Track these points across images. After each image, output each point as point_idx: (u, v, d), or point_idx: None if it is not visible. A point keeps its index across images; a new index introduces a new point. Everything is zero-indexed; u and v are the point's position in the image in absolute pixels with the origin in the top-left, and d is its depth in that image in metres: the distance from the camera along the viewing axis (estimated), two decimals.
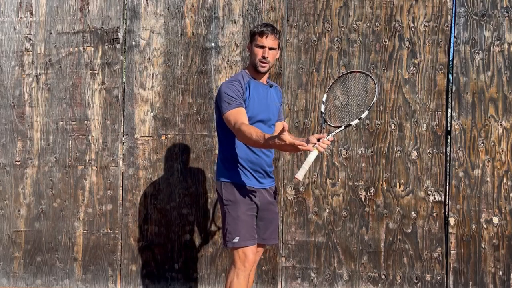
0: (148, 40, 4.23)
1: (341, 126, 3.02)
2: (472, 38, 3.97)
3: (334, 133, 3.00)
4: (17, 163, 4.35)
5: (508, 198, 3.95)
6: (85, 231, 4.30)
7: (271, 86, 3.22)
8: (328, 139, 2.82)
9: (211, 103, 4.16)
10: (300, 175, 2.76)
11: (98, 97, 4.28)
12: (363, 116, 3.05)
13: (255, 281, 4.10)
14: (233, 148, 3.11)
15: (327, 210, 4.09)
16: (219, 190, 3.14)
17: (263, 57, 3.04)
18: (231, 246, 3.03)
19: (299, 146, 2.66)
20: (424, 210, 4.01)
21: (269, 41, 3.04)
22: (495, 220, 3.96)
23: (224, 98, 3.00)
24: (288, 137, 2.64)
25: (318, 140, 2.80)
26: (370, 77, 3.16)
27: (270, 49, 3.06)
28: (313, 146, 2.75)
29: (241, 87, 3.03)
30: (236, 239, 3.01)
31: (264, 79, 3.19)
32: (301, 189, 4.10)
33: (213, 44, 4.18)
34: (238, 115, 2.93)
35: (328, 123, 3.10)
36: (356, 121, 3.06)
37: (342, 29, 4.07)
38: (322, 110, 3.15)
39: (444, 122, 4.00)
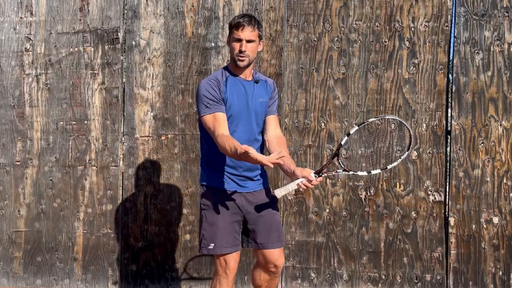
0: (148, 40, 4.23)
1: (348, 171, 2.95)
2: (472, 38, 3.97)
3: (331, 173, 3.02)
4: (17, 163, 4.34)
5: (508, 198, 3.95)
6: (85, 231, 4.29)
7: (257, 82, 3.00)
8: (316, 180, 2.81)
9: None
10: (278, 193, 2.83)
11: (98, 97, 4.28)
12: (373, 172, 3.02)
13: None
14: (210, 150, 2.96)
15: (327, 210, 4.09)
16: (200, 193, 3.05)
17: (240, 51, 2.86)
18: (206, 252, 2.95)
19: (266, 163, 2.62)
20: (424, 210, 4.01)
21: (246, 33, 2.85)
22: (495, 220, 3.96)
23: (203, 100, 2.88)
24: (256, 155, 2.60)
25: (319, 173, 2.84)
26: (409, 133, 2.96)
27: (248, 41, 2.87)
28: (299, 182, 2.80)
29: (218, 88, 2.89)
30: (211, 246, 2.90)
31: (247, 74, 2.98)
32: (301, 189, 4.09)
33: (213, 44, 4.18)
34: (216, 122, 2.83)
35: (340, 160, 2.99)
36: (364, 173, 3.04)
37: (342, 29, 4.07)
38: (343, 142, 2.93)
39: (444, 122, 4.00)
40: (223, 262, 2.91)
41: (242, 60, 2.88)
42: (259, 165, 2.98)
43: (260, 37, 2.95)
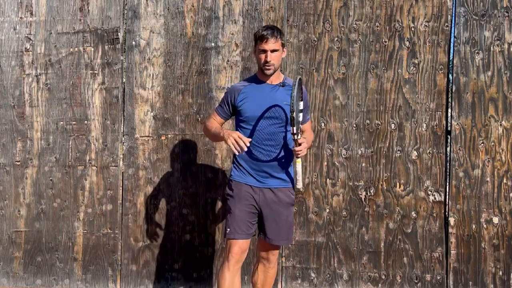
0: (148, 40, 4.23)
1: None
2: (472, 38, 3.97)
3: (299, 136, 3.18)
4: (17, 163, 4.34)
5: (508, 198, 3.95)
6: (85, 231, 4.30)
7: (283, 86, 3.27)
8: (298, 147, 3.12)
9: (211, 103, 4.16)
10: (299, 185, 3.20)
11: (98, 97, 4.28)
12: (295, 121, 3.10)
13: None
14: None
15: (327, 210, 4.09)
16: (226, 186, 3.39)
17: (266, 62, 3.17)
18: (225, 236, 3.26)
19: (225, 137, 3.10)
20: (424, 210, 4.01)
21: (269, 44, 3.16)
22: (495, 220, 3.96)
23: (222, 99, 3.39)
24: (225, 132, 3.15)
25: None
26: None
27: (273, 51, 3.17)
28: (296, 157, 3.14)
29: (233, 97, 3.28)
30: (228, 230, 3.23)
31: (273, 79, 3.27)
32: (301, 189, 4.10)
33: (213, 44, 4.18)
34: (213, 118, 3.39)
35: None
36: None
37: (342, 29, 4.07)
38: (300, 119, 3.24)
39: (444, 122, 4.00)
40: (229, 246, 3.23)
41: (269, 69, 3.20)
42: (284, 164, 3.27)
43: (283, 46, 3.26)
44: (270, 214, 3.26)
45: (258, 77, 3.31)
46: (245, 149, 3.03)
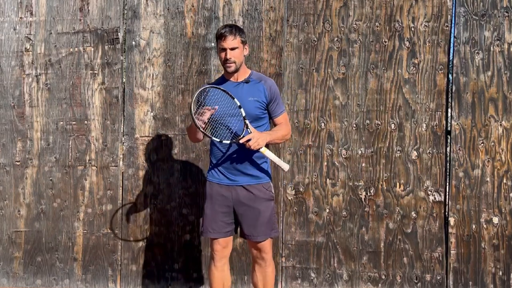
0: (148, 40, 4.23)
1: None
2: (472, 38, 3.97)
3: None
4: (17, 163, 4.34)
5: (508, 198, 3.95)
6: (85, 231, 4.30)
7: (247, 82, 3.28)
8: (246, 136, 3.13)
9: None
10: (284, 168, 3.19)
11: (98, 97, 4.28)
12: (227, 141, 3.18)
13: None
14: (211, 150, 3.37)
15: (327, 210, 4.09)
16: None
17: (226, 59, 3.20)
18: (200, 234, 3.43)
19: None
20: (424, 210, 4.01)
21: (228, 42, 3.18)
22: (495, 220, 3.96)
23: None
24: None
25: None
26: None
27: (232, 49, 3.19)
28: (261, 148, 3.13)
29: (203, 98, 3.24)
30: (201, 229, 3.35)
31: (238, 76, 3.29)
32: (301, 189, 4.10)
33: (213, 44, 4.17)
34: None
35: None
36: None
37: (342, 29, 4.07)
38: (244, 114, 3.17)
39: (444, 122, 4.00)
40: (211, 245, 3.36)
41: (230, 66, 3.23)
42: (254, 161, 3.26)
43: (243, 43, 3.26)
44: (245, 211, 3.26)
45: (224, 76, 3.35)
46: (205, 117, 3.08)
